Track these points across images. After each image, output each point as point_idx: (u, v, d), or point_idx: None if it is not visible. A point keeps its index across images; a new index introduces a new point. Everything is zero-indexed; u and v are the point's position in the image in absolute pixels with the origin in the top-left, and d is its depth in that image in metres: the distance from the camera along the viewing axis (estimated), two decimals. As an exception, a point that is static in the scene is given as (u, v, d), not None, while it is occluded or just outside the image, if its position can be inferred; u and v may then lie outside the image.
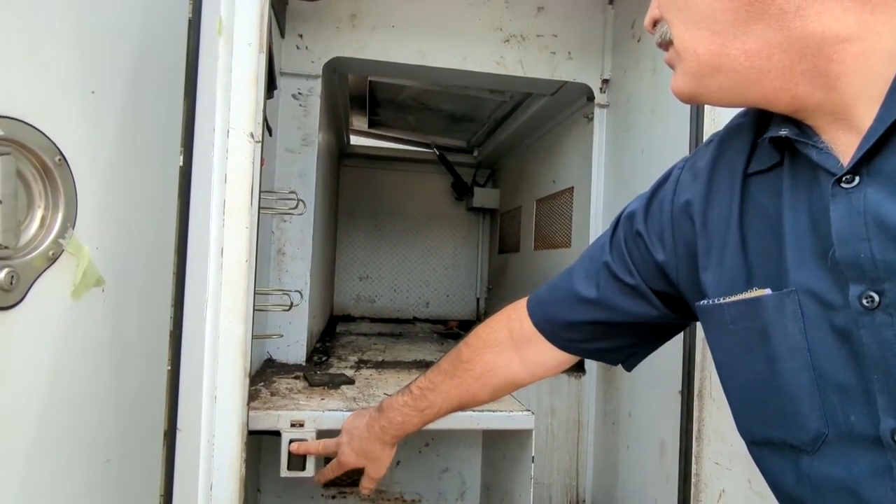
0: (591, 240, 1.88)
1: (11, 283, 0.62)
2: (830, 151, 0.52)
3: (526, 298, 0.87)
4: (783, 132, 0.55)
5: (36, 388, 0.67)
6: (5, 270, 0.62)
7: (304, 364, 1.72)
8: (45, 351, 0.68)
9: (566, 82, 1.90)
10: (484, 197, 3.34)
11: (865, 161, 0.48)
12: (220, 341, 0.69)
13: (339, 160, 3.18)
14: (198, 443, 0.70)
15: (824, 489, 0.52)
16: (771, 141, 0.57)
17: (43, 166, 0.68)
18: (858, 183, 0.49)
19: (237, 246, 0.70)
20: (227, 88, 0.69)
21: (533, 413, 1.27)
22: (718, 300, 0.60)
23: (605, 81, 1.89)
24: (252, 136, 0.70)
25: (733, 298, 0.58)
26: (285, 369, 1.63)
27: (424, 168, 3.41)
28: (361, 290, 3.40)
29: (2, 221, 0.61)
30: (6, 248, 0.62)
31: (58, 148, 0.69)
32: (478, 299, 3.53)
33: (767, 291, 0.55)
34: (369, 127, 3.06)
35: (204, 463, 0.69)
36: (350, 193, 3.37)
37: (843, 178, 0.49)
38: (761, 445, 0.60)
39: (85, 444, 0.75)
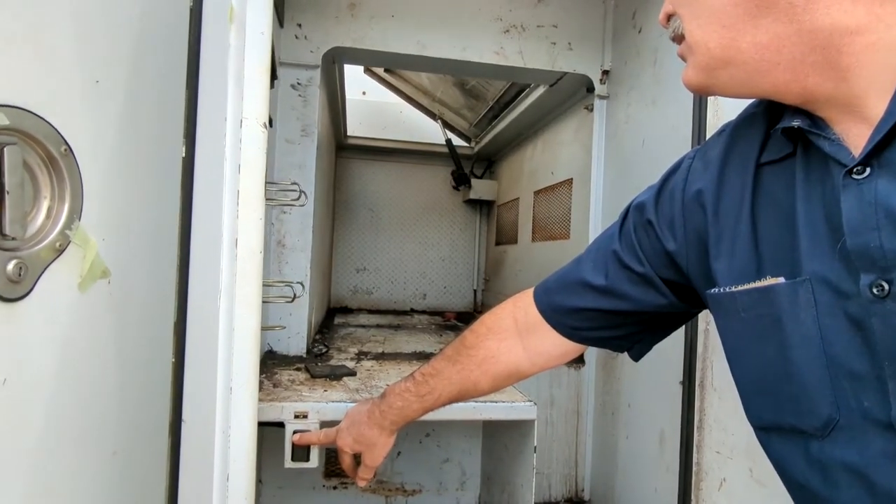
0: (591, 231, 1.89)
1: (20, 275, 0.62)
2: (842, 143, 0.53)
3: (533, 288, 0.87)
4: (796, 123, 0.56)
5: (44, 380, 0.67)
6: (13, 262, 0.61)
7: (304, 356, 1.72)
8: (53, 343, 0.68)
9: (566, 73, 1.90)
10: (481, 188, 3.33)
11: (876, 152, 0.49)
12: (235, 333, 0.69)
13: (337, 152, 3.17)
14: (212, 434, 0.70)
15: (834, 473, 0.53)
16: (783, 132, 0.58)
17: (49, 156, 0.67)
18: (869, 174, 0.49)
19: (251, 237, 0.70)
20: (239, 77, 0.68)
21: (535, 404, 1.28)
22: (730, 288, 0.60)
23: (606, 72, 1.88)
24: (265, 125, 0.69)
25: (746, 287, 0.58)
26: (286, 361, 1.63)
27: (422, 160, 3.41)
28: (358, 281, 3.40)
29: (9, 212, 0.60)
30: (13, 239, 0.62)
31: (63, 138, 0.68)
32: (475, 291, 3.54)
33: (781, 280, 0.55)
34: (385, 70, 3.01)
35: (219, 454, 0.69)
36: (347, 185, 3.36)
37: (854, 170, 0.50)
38: (770, 431, 0.60)
39: (93, 436, 0.75)
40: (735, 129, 0.66)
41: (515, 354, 0.88)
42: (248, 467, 0.69)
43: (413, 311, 3.41)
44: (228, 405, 0.68)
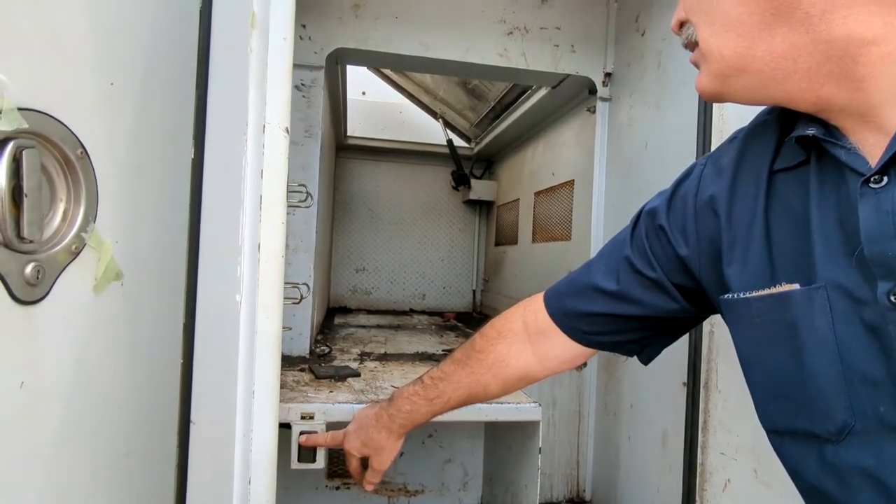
0: (593, 232, 1.89)
1: (38, 278, 0.62)
2: (858, 152, 0.53)
3: (543, 292, 0.88)
4: (810, 132, 0.56)
5: (60, 383, 0.67)
6: (31, 265, 0.61)
7: (307, 357, 1.72)
8: (68, 346, 0.68)
9: (569, 75, 1.90)
10: (481, 189, 3.34)
11: (893, 162, 0.49)
12: (258, 336, 0.69)
13: (337, 151, 3.17)
14: (231, 437, 0.70)
15: (849, 477, 0.53)
16: (797, 140, 0.58)
17: (65, 159, 0.67)
18: (887, 183, 0.50)
19: (274, 241, 0.70)
20: (261, 83, 0.68)
21: (540, 405, 1.28)
22: (744, 294, 0.61)
23: (608, 75, 1.89)
24: (287, 130, 0.69)
25: (760, 293, 0.59)
26: (290, 361, 1.64)
27: (421, 160, 3.41)
28: (358, 281, 3.40)
29: (27, 215, 0.60)
30: (31, 241, 0.62)
31: (79, 141, 0.68)
32: (474, 291, 3.54)
33: (796, 286, 0.56)
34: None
35: (240, 457, 0.69)
36: (347, 185, 3.36)
37: (872, 179, 0.50)
38: (783, 435, 0.61)
39: (106, 437, 0.75)
40: (747, 136, 0.67)
41: (525, 358, 0.88)
42: (271, 470, 0.70)
43: (412, 311, 3.41)
44: (250, 408, 0.69)
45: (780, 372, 0.58)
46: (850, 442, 0.53)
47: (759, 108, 0.68)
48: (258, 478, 0.68)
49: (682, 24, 0.65)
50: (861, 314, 0.51)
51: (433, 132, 3.27)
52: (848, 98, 0.53)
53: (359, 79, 3.07)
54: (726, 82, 0.60)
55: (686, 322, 0.80)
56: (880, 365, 0.50)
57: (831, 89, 0.54)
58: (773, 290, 0.58)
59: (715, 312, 0.74)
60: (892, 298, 0.49)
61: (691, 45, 0.64)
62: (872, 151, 0.52)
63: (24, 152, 0.59)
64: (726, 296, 0.63)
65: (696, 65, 0.64)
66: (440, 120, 3.20)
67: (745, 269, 0.62)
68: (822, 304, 0.54)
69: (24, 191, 0.60)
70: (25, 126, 0.60)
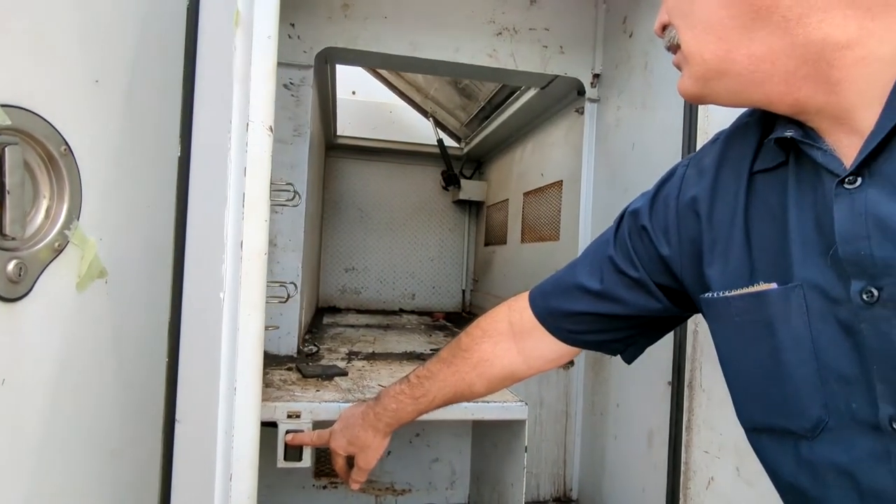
0: (581, 233, 1.91)
1: (20, 275, 0.61)
2: (834, 154, 0.54)
3: (528, 291, 0.89)
4: (788, 133, 0.57)
5: (44, 380, 0.67)
6: (13, 262, 0.61)
7: (295, 356, 1.72)
8: (51, 343, 0.68)
9: (557, 76, 1.91)
10: (471, 189, 3.35)
11: (867, 163, 0.51)
12: (240, 333, 0.69)
13: (326, 151, 3.16)
14: (213, 434, 0.70)
15: (823, 472, 0.55)
16: (776, 142, 0.59)
17: (48, 156, 0.67)
18: (860, 184, 0.51)
19: (256, 239, 0.70)
20: (244, 81, 0.68)
21: (526, 404, 1.29)
22: (724, 293, 0.62)
23: (596, 76, 1.91)
24: (271, 129, 0.70)
25: (739, 292, 0.60)
26: (277, 361, 1.63)
27: (411, 160, 3.41)
28: (347, 281, 3.40)
29: (9, 212, 0.60)
30: (13, 239, 0.61)
31: (63, 138, 0.68)
32: (463, 291, 3.55)
33: (773, 286, 0.57)
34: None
35: (222, 454, 0.69)
36: (336, 184, 3.36)
37: (846, 180, 0.52)
38: (761, 432, 0.62)
39: (91, 435, 0.75)
40: (728, 138, 0.68)
41: (510, 357, 0.89)
42: (252, 467, 0.70)
43: (402, 310, 3.41)
44: (232, 405, 0.69)
45: (758, 370, 0.59)
46: (823, 438, 0.54)
47: (743, 110, 0.69)
48: (239, 474, 0.68)
49: (664, 27, 0.66)
50: (836, 313, 0.53)
51: (423, 132, 3.27)
52: (824, 101, 0.54)
53: (349, 78, 3.07)
54: (707, 85, 0.61)
55: (669, 321, 0.81)
56: (853, 363, 0.52)
57: (808, 92, 0.55)
58: (751, 289, 0.59)
59: (697, 312, 0.75)
60: (865, 297, 0.50)
61: (674, 48, 0.65)
62: (847, 153, 0.54)
63: (6, 149, 0.59)
64: (707, 295, 0.65)
65: (679, 67, 0.65)
66: (431, 119, 3.20)
67: (725, 268, 0.63)
68: (798, 303, 0.55)
69: (7, 188, 0.60)
70: (8, 123, 0.60)
